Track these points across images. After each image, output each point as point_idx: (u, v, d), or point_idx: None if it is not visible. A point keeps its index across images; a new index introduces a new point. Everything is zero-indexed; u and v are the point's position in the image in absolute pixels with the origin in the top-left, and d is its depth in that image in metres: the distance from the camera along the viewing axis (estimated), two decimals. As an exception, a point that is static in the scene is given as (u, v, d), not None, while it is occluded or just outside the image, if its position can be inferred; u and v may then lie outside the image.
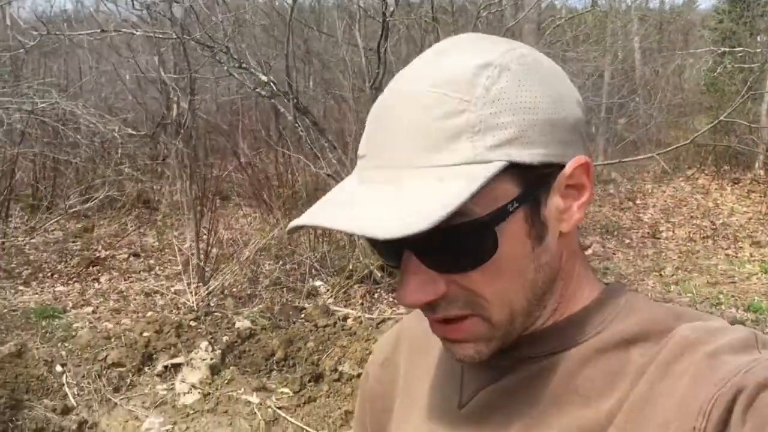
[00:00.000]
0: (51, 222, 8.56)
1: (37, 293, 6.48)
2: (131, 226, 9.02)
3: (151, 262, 7.72)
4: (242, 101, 15.05)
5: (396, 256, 0.63)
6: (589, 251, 7.92)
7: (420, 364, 0.83)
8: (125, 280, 6.96)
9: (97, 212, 9.55)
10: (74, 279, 7.02)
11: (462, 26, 7.18)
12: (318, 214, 0.61)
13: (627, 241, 8.47)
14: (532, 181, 0.62)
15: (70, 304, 6.01)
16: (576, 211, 0.66)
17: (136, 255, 8.00)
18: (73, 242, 8.35)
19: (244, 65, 6.33)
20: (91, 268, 7.36)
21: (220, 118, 13.03)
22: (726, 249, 8.13)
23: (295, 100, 6.46)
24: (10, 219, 8.32)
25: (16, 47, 13.42)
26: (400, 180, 0.60)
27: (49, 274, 7.15)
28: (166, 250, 8.05)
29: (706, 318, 0.65)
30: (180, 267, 7.07)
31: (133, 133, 10.37)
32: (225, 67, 6.43)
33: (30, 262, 7.48)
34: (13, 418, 4.03)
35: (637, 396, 0.60)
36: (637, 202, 10.65)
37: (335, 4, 7.99)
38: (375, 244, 0.66)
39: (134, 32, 5.87)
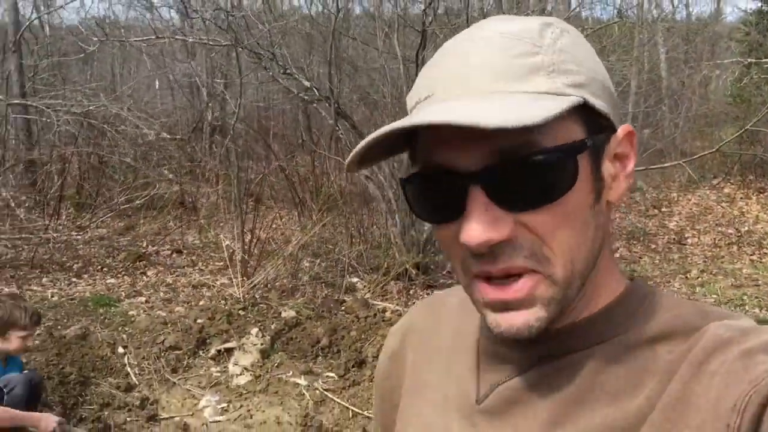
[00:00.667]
0: (98, 220, 8.96)
1: (89, 285, 6.86)
2: (173, 225, 9.40)
3: (194, 258, 8.08)
4: (272, 107, 15.49)
5: (458, 199, 0.61)
6: (617, 255, 8.15)
7: (430, 357, 0.81)
8: (171, 274, 7.32)
9: (138, 211, 9.98)
10: (123, 272, 7.40)
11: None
12: (411, 119, 0.59)
13: (653, 246, 8.68)
14: (596, 130, 0.63)
15: (123, 294, 6.37)
16: (623, 180, 0.66)
17: (179, 252, 8.37)
18: (119, 239, 8.74)
19: (288, 71, 6.68)
20: (137, 263, 7.74)
21: (253, 123, 13.42)
22: (751, 255, 8.31)
23: (336, 105, 6.78)
24: (60, 216, 8.74)
25: (60, 53, 13.94)
26: (487, 99, 0.59)
27: (99, 268, 7.53)
28: (207, 248, 8.42)
29: (734, 317, 0.64)
30: (222, 263, 7.44)
31: (175, 137, 10.79)
32: (270, 73, 6.78)
33: (80, 257, 7.88)
34: (83, 393, 4.37)
35: (672, 395, 0.59)
36: (663, 209, 10.84)
37: (374, 15, 8.30)
38: (434, 191, 0.63)
39: (187, 39, 6.23)
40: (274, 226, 8.44)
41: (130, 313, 5.70)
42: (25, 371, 3.61)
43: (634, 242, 8.82)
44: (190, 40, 6.26)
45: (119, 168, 10.57)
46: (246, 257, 6.59)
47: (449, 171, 0.61)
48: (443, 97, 0.61)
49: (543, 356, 0.67)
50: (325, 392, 4.53)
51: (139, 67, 16.51)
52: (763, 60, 10.49)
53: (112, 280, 7.07)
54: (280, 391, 4.56)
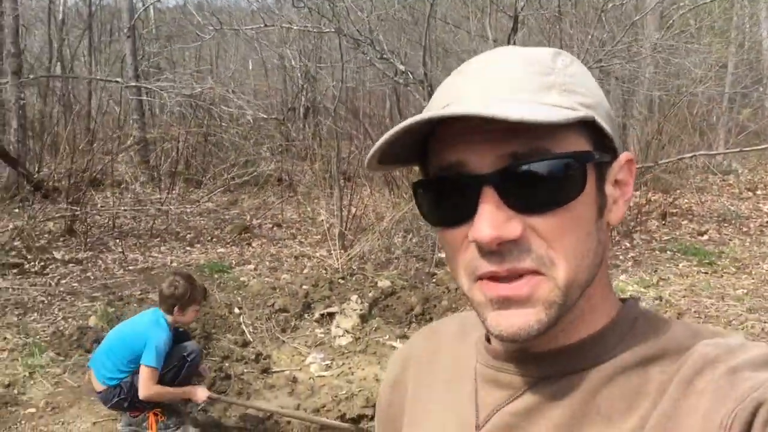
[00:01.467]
0: (208, 195, 9.68)
1: (202, 253, 7.53)
2: (273, 200, 10.03)
3: (293, 231, 8.67)
4: (362, 89, 15.98)
5: (471, 200, 0.63)
6: (705, 236, 8.19)
7: (429, 386, 0.81)
8: (274, 245, 7.92)
9: (241, 187, 10.68)
10: (230, 243, 8.05)
11: (589, 19, 7.60)
12: (434, 111, 0.61)
13: (744, 229, 8.63)
14: (601, 149, 0.66)
15: (234, 263, 7.00)
16: (622, 205, 0.69)
17: (279, 225, 8.99)
18: (224, 212, 9.45)
19: (385, 56, 7.06)
20: (243, 234, 8.38)
21: (345, 104, 13.95)
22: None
23: (429, 88, 7.13)
24: (173, 191, 9.51)
25: (165, 38, 14.82)
26: (506, 102, 0.63)
27: (209, 239, 8.23)
28: (305, 222, 8.99)
29: (725, 335, 0.65)
30: (320, 236, 7.98)
31: (272, 117, 11.40)
32: (368, 57, 7.19)
33: (191, 228, 8.61)
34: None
35: (660, 414, 0.60)
36: (758, 192, 10.65)
37: (467, -1, 8.56)
38: (447, 193, 0.66)
39: (293, 26, 6.70)
40: (366, 203, 8.91)
41: (242, 279, 6.29)
42: (192, 341, 4.00)
43: (726, 224, 8.79)
44: (295, 27, 6.73)
45: (223, 146, 11.31)
46: (344, 231, 7.07)
47: (464, 173, 0.64)
48: (467, 103, 0.64)
49: (540, 378, 0.68)
50: (419, 355, 4.95)
51: (234, 49, 17.32)
52: None
53: (222, 249, 7.72)
54: (378, 352, 5.01)
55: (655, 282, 6.34)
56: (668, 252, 7.42)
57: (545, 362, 0.68)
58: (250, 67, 17.83)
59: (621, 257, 7.29)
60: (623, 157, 0.69)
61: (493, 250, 0.62)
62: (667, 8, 11.29)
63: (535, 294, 0.63)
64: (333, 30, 6.45)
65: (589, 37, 7.38)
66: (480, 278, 0.64)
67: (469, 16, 8.33)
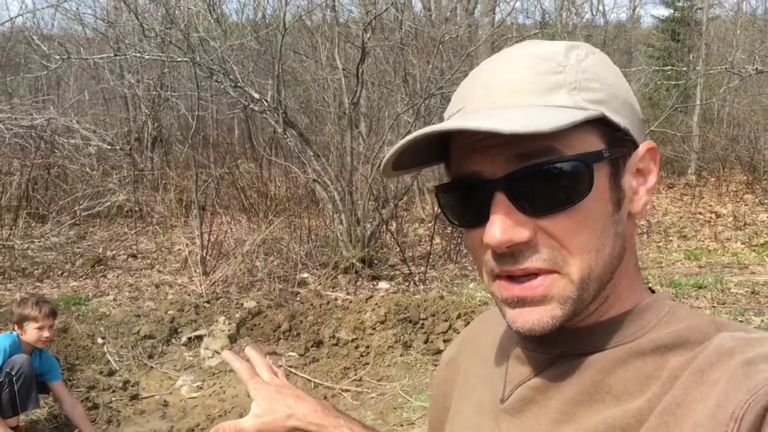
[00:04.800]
0: (57, 228, 9.29)
1: (54, 288, 7.26)
2: (126, 231, 9.80)
3: (149, 261, 8.54)
4: (211, 117, 15.95)
5: (483, 203, 0.65)
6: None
7: (477, 362, 0.86)
8: (131, 276, 7.78)
9: (91, 219, 10.33)
10: (83, 276, 7.81)
11: (428, 50, 8.24)
12: (431, 126, 0.63)
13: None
14: (615, 143, 0.67)
15: (91, 295, 6.83)
16: (644, 194, 0.70)
17: (134, 256, 8.81)
18: (74, 246, 9.11)
19: (239, 84, 7.26)
20: (96, 267, 8.15)
21: (191, 133, 13.83)
22: (658, 242, 9.34)
23: (284, 115, 7.40)
24: (17, 225, 9.03)
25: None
26: (507, 110, 0.65)
27: (60, 273, 7.92)
28: (161, 251, 8.88)
29: (749, 330, 0.65)
30: (179, 264, 7.96)
31: (116, 147, 11.13)
32: (222, 86, 7.35)
33: (38, 263, 8.24)
34: (71, 378, 4.87)
35: (670, 400, 0.61)
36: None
37: (315, 30, 8.95)
38: (464, 198, 0.69)
39: (144, 56, 6.74)
40: (225, 229, 8.97)
41: (101, 310, 6.18)
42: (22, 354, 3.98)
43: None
44: (147, 56, 6.76)
45: (68, 178, 10.88)
46: (205, 256, 7.13)
47: (477, 179, 0.66)
48: (471, 109, 0.68)
49: (560, 355, 0.70)
50: (289, 368, 5.15)
51: (74, 78, 16.60)
52: (666, 67, 11.61)
53: (75, 283, 7.48)
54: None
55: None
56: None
57: (564, 342, 0.70)
58: (87, 97, 17.14)
59: (469, 267, 7.89)
60: (643, 147, 0.70)
61: (505, 253, 0.65)
62: (497, 39, 12.33)
63: (550, 292, 0.65)
64: (187, 60, 6.56)
65: (430, 66, 8.00)
66: (498, 276, 0.68)
67: (317, 47, 8.71)
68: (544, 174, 0.64)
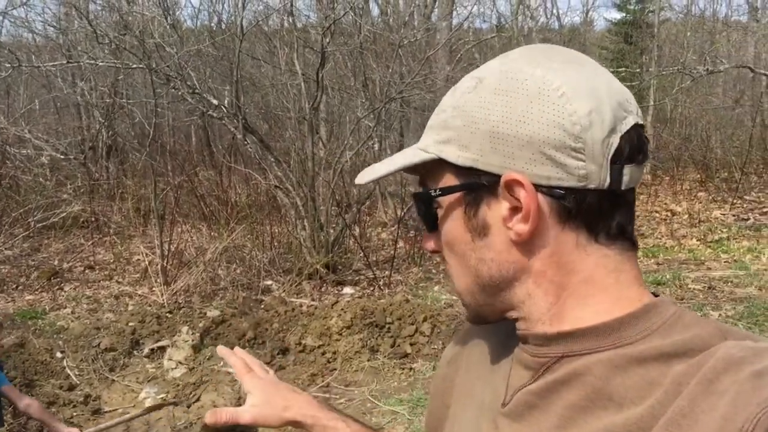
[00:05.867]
0: (10, 241, 9.02)
1: (9, 302, 7.05)
2: (81, 242, 9.57)
3: (107, 272, 8.35)
4: (167, 125, 15.71)
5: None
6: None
7: (479, 362, 0.86)
8: (89, 288, 7.60)
9: (45, 231, 10.05)
10: (39, 289, 7.60)
11: (387, 54, 8.24)
12: (360, 176, 0.79)
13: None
14: (466, 180, 0.71)
15: (47, 308, 6.64)
16: (517, 223, 0.69)
17: (91, 267, 8.60)
18: (28, 259, 8.86)
19: (197, 91, 7.16)
20: (52, 279, 7.94)
21: (147, 141, 13.60)
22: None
23: (243, 121, 7.32)
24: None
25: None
26: (409, 148, 0.78)
27: (14, 287, 7.70)
28: (119, 262, 8.69)
29: (756, 338, 0.64)
30: (139, 274, 7.81)
31: (70, 157, 10.88)
32: (180, 93, 7.24)
33: (-10, 278, 7.99)
34: (30, 394, 4.71)
35: (676, 410, 0.60)
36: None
37: (275, 35, 8.89)
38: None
39: (98, 63, 6.60)
40: (185, 237, 8.83)
41: (59, 323, 6.02)
42: None
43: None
44: (101, 63, 6.62)
45: (21, 189, 10.58)
46: (166, 266, 7.01)
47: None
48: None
49: (558, 359, 0.70)
50: (255, 377, 5.08)
51: (23, 86, 16.18)
52: (620, 69, 11.83)
53: (31, 297, 7.28)
54: (213, 380, 5.07)
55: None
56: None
57: (562, 344, 0.70)
58: (38, 106, 16.74)
59: (434, 270, 7.91)
60: (503, 178, 0.68)
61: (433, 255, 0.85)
62: (455, 44, 12.42)
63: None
64: (143, 66, 6.44)
65: (390, 70, 8.00)
66: None
67: (275, 52, 8.65)
68: (416, 202, 0.76)
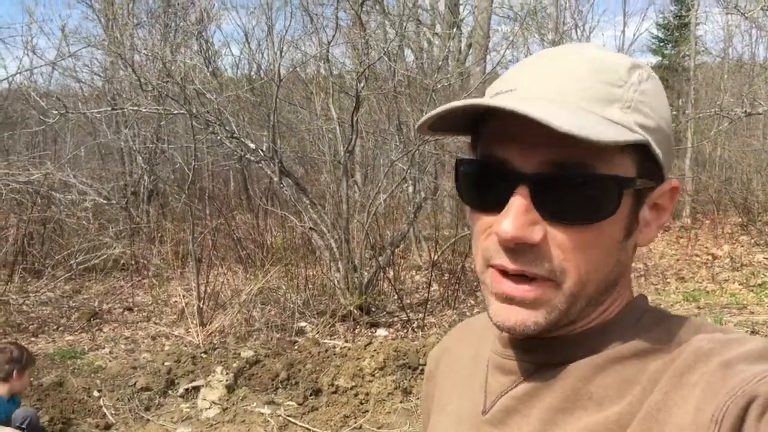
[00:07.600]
0: (51, 283, 9.25)
1: (50, 342, 7.19)
2: (120, 284, 9.75)
3: (145, 314, 8.48)
4: (206, 169, 16.06)
5: (504, 192, 0.64)
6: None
7: (454, 377, 0.85)
8: (127, 328, 7.71)
9: (87, 273, 10.28)
10: (79, 330, 7.74)
11: (421, 98, 8.36)
12: (495, 100, 0.63)
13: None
14: (646, 173, 0.66)
15: (86, 348, 6.76)
16: (654, 229, 0.69)
17: (130, 309, 8.74)
18: (69, 300, 9.05)
19: (235, 135, 7.34)
20: (92, 321, 8.08)
21: (187, 185, 13.91)
22: (656, 285, 9.33)
23: (280, 164, 7.46)
24: (13, 280, 9.00)
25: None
26: (562, 107, 0.62)
27: (55, 327, 7.85)
28: (157, 304, 8.82)
29: (727, 331, 0.65)
30: (176, 316, 7.90)
31: (112, 202, 11.18)
32: (219, 137, 7.42)
33: (33, 318, 8.17)
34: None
35: (651, 404, 0.60)
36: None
37: (311, 81, 9.09)
38: (485, 181, 0.67)
39: (141, 109, 6.82)
40: (221, 280, 8.94)
41: (97, 363, 6.11)
42: (26, 407, 4.02)
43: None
44: (144, 110, 6.85)
45: (64, 233, 10.88)
46: (202, 307, 7.09)
47: (505, 167, 0.65)
48: (522, 95, 0.65)
49: (540, 365, 0.70)
50: (288, 418, 5.07)
51: (70, 134, 16.77)
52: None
53: (71, 337, 7.41)
54: (246, 420, 5.07)
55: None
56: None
57: (546, 350, 0.69)
58: (83, 152, 17.30)
59: (468, 313, 7.85)
60: (668, 184, 0.69)
61: (510, 248, 0.64)
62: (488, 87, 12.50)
63: (541, 299, 0.65)
64: (184, 111, 6.64)
65: (423, 113, 8.07)
66: (492, 266, 0.67)
67: (311, 97, 8.84)
68: (575, 185, 0.63)
